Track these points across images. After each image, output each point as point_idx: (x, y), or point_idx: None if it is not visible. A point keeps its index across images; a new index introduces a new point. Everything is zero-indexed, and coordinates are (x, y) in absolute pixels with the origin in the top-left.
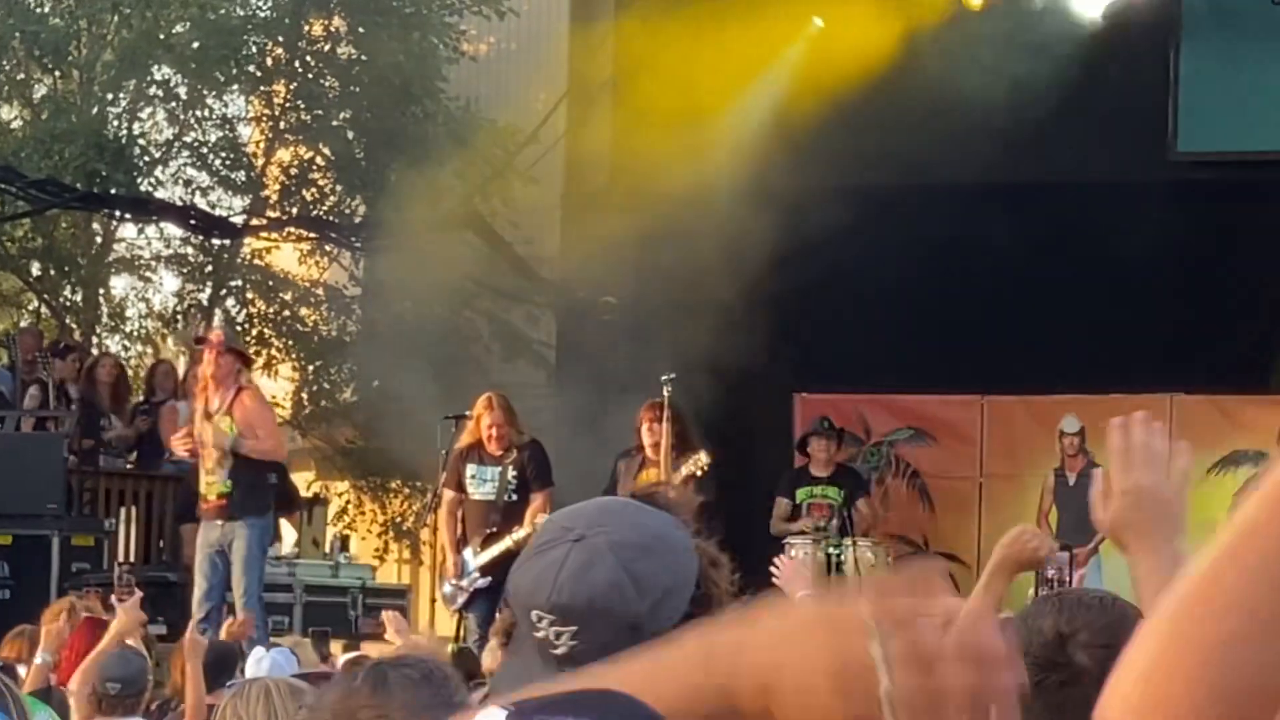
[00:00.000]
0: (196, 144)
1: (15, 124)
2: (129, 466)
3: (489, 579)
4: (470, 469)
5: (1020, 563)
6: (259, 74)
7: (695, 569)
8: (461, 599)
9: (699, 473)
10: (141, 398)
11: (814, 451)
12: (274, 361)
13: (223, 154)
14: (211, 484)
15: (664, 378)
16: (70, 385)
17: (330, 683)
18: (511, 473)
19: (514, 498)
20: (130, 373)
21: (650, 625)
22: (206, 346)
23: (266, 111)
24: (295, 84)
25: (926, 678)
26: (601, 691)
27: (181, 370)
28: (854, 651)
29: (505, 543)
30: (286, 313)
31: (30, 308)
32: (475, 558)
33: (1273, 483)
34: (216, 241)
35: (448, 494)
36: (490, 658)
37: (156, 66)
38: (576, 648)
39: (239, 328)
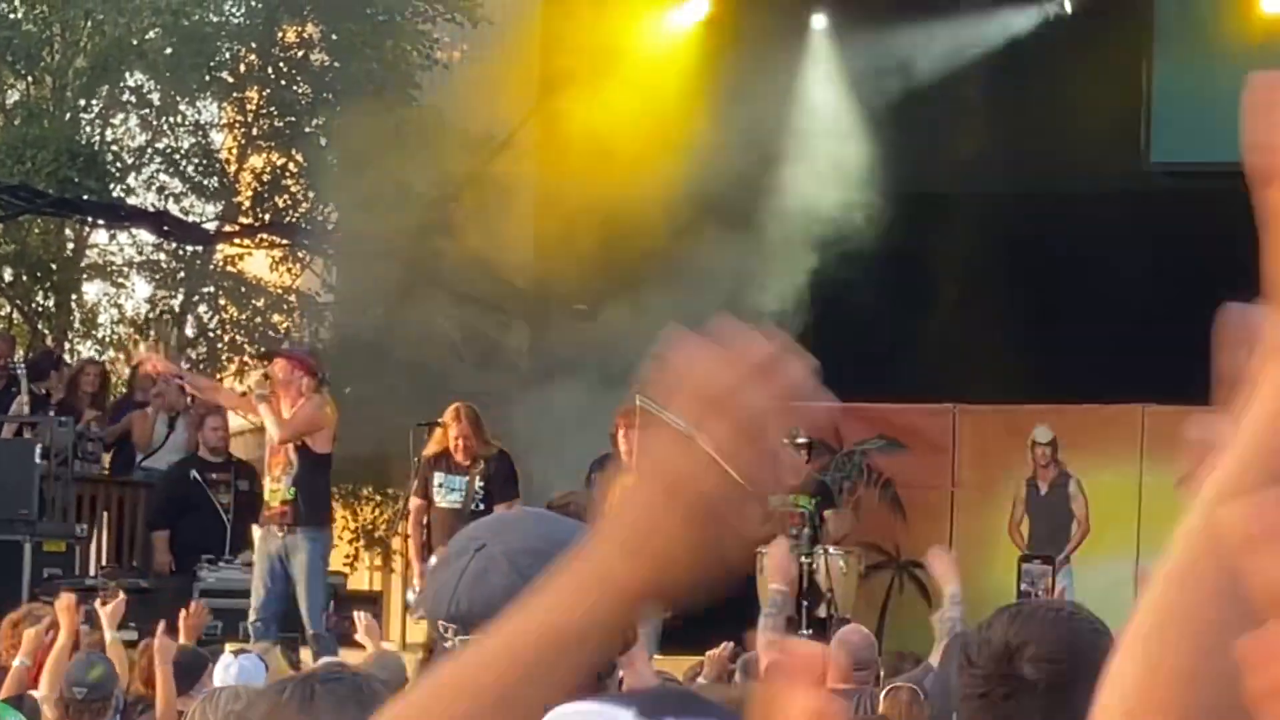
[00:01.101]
0: (169, 150)
1: None
2: (104, 472)
3: None
4: (438, 478)
5: None
6: (232, 80)
7: None
8: None
9: None
10: (123, 395)
11: None
12: (246, 368)
13: (195, 160)
14: (275, 491)
15: (635, 382)
16: (53, 393)
17: (259, 693)
18: (478, 483)
19: (480, 507)
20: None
21: None
22: (280, 356)
23: (239, 118)
24: (268, 90)
25: (727, 411)
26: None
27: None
28: (670, 455)
29: None
30: (259, 319)
31: (1, 313)
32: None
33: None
34: (189, 248)
35: (415, 502)
36: None
37: (129, 72)
38: None
39: (211, 334)
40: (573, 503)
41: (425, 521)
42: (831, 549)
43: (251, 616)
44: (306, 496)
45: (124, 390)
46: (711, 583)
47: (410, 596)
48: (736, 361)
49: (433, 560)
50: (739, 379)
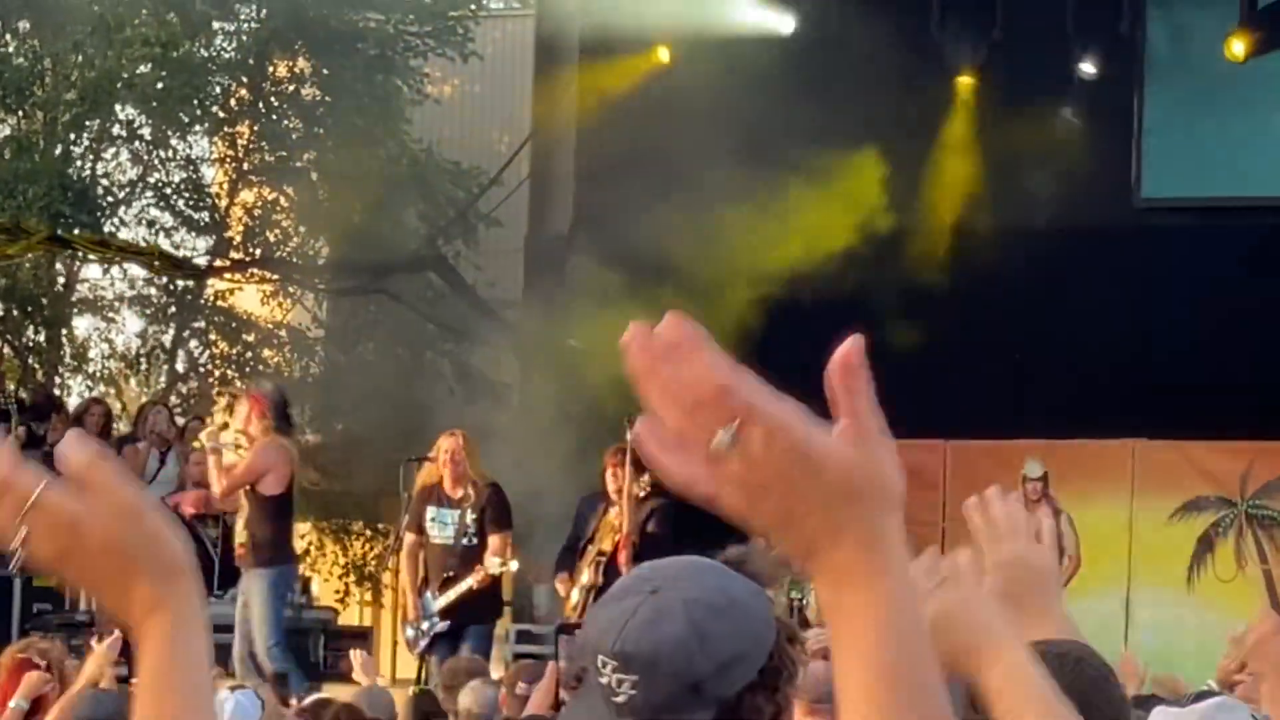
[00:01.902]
0: (160, 185)
1: None
2: None
3: (449, 622)
4: (430, 511)
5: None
6: (223, 115)
7: (770, 640)
8: (423, 643)
9: (642, 492)
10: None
11: None
12: (235, 403)
13: (186, 195)
14: (238, 534)
15: (626, 419)
16: (54, 435)
17: None
18: (470, 516)
19: (473, 541)
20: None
21: (713, 689)
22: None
23: (230, 153)
24: (259, 125)
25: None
26: None
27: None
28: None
29: (464, 585)
30: (249, 354)
31: None
32: (435, 601)
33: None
34: (180, 283)
35: (409, 537)
36: (469, 697)
37: (120, 106)
38: (635, 698)
39: (201, 369)
40: (749, 562)
41: (420, 557)
42: None
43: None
44: (257, 537)
45: (130, 424)
46: None
47: (409, 633)
48: (658, 347)
49: (428, 596)
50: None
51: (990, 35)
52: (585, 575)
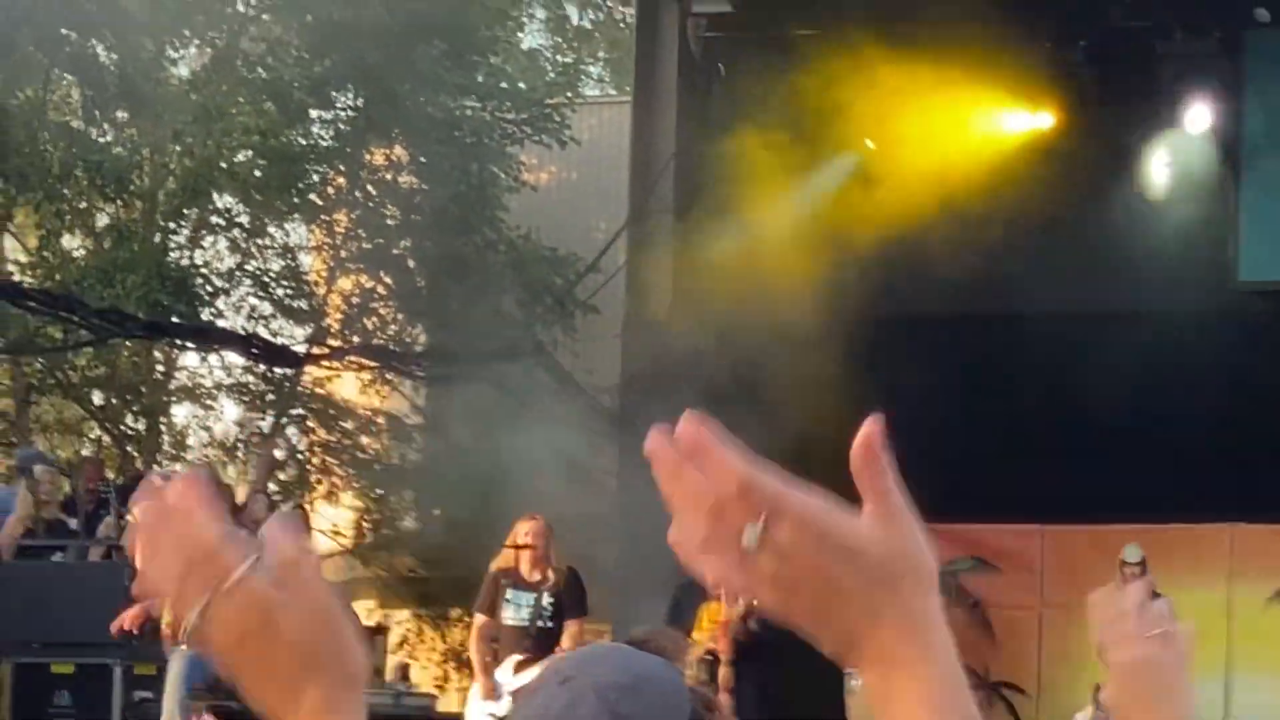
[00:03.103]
0: (258, 272)
1: (78, 253)
2: None
3: None
4: (507, 593)
5: None
6: (320, 202)
7: (686, 711)
8: None
9: None
10: None
11: None
12: (335, 490)
13: (284, 283)
14: (165, 611)
15: None
16: None
17: None
18: (547, 599)
19: (550, 624)
20: None
21: None
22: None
23: (328, 240)
24: (356, 212)
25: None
26: None
27: (241, 496)
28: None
29: (537, 670)
30: (348, 441)
31: (92, 436)
32: (511, 681)
33: None
34: (278, 370)
35: (479, 618)
36: None
37: (218, 195)
38: None
39: (299, 456)
40: (653, 640)
41: (492, 637)
42: None
43: None
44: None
45: None
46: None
47: (483, 715)
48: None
49: (501, 675)
50: (712, 488)
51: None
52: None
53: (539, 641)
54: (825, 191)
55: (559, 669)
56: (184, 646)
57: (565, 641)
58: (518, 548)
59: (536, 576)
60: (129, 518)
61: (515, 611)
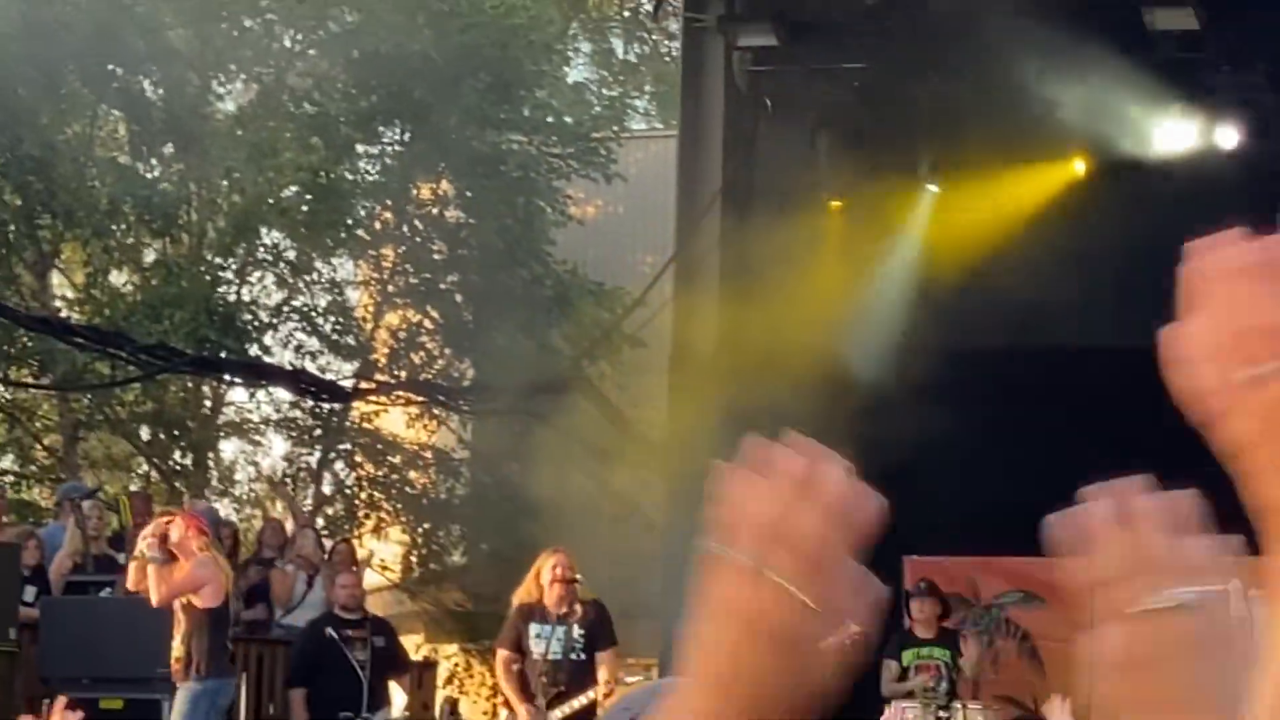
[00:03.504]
0: (306, 308)
1: (126, 289)
2: (238, 630)
3: None
4: (533, 629)
5: None
6: (367, 237)
7: None
8: None
9: None
10: (253, 554)
11: (915, 613)
12: (383, 525)
13: (332, 318)
14: (174, 648)
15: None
16: None
17: None
18: (578, 631)
19: (582, 656)
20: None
21: None
22: (179, 515)
23: (375, 275)
24: (404, 248)
25: (785, 539)
26: None
27: (290, 530)
28: (740, 593)
29: (581, 700)
30: (395, 476)
31: (140, 471)
32: (552, 715)
33: None
34: (326, 405)
35: (502, 653)
36: None
37: (265, 230)
38: None
39: (347, 491)
40: None
41: (518, 670)
42: (970, 704)
43: None
44: (191, 651)
45: (254, 549)
46: (804, 712)
47: None
48: (780, 486)
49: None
50: (786, 504)
51: None
52: None
53: (573, 675)
54: (879, 224)
55: (626, 707)
56: (191, 682)
57: (602, 672)
58: (565, 582)
59: (564, 609)
60: None
61: (544, 646)
